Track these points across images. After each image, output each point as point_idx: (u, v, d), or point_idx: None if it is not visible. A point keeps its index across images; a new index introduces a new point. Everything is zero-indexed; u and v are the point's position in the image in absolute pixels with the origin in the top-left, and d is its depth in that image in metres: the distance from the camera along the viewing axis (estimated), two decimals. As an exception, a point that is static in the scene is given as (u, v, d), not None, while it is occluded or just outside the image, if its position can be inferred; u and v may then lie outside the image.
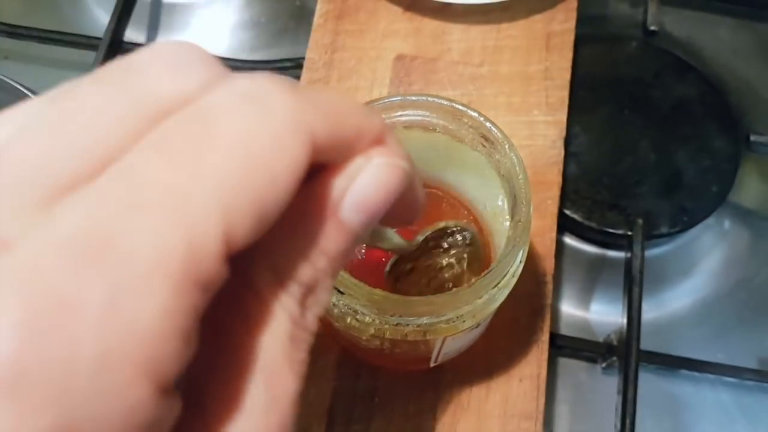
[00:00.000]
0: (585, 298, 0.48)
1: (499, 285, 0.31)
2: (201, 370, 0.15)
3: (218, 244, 0.14)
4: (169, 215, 0.13)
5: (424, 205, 0.21)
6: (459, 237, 0.33)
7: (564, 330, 0.46)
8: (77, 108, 0.15)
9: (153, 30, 0.57)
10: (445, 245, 0.33)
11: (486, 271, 0.30)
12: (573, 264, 0.49)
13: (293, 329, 0.17)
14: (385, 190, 0.17)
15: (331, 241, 0.17)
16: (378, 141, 0.18)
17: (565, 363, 0.46)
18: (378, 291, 0.30)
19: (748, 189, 0.51)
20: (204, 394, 0.16)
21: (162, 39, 0.56)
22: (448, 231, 0.33)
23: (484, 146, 0.34)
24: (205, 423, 0.16)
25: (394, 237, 0.29)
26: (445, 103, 0.34)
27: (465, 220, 0.32)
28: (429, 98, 0.34)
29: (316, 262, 0.17)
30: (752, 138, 0.50)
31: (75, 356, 0.12)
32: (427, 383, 0.40)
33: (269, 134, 0.15)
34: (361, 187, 0.17)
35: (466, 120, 0.34)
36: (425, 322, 0.31)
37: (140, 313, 0.13)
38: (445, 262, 0.33)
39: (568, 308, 0.47)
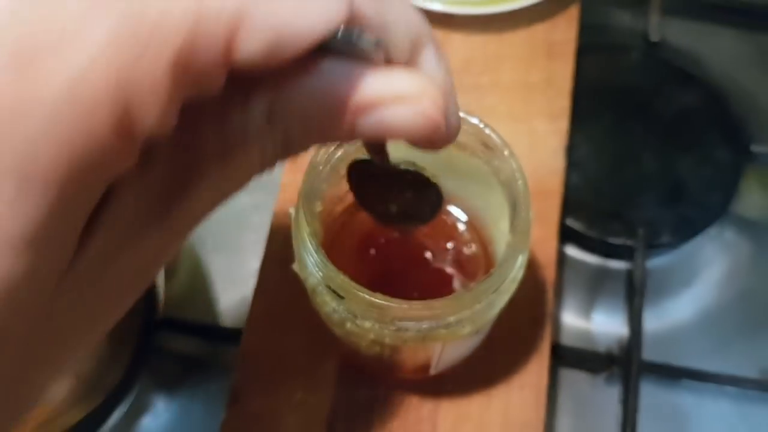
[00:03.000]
0: (587, 308, 0.48)
1: (499, 290, 0.31)
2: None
3: (221, 46, 0.14)
4: None
5: (454, 136, 0.20)
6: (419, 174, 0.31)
7: (566, 340, 0.46)
8: None
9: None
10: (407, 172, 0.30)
11: (485, 276, 0.30)
12: (575, 274, 0.48)
13: (267, 160, 0.18)
14: (411, 133, 0.18)
15: (333, 123, 0.17)
16: (419, 47, 0.18)
17: (566, 373, 0.45)
18: (378, 295, 0.29)
19: (750, 199, 0.51)
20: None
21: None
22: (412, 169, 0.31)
23: (484, 153, 0.34)
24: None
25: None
26: (446, 109, 0.34)
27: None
28: (430, 105, 0.34)
29: (311, 129, 0.17)
30: (754, 148, 0.50)
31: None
32: (428, 392, 0.40)
33: None
34: (392, 118, 0.17)
35: (466, 127, 0.34)
36: (425, 327, 0.31)
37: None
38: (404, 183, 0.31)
39: (570, 318, 0.47)
